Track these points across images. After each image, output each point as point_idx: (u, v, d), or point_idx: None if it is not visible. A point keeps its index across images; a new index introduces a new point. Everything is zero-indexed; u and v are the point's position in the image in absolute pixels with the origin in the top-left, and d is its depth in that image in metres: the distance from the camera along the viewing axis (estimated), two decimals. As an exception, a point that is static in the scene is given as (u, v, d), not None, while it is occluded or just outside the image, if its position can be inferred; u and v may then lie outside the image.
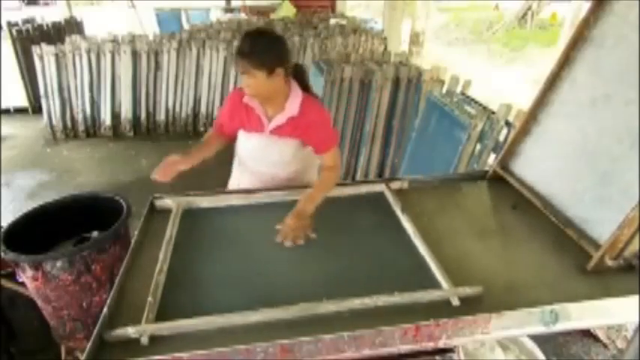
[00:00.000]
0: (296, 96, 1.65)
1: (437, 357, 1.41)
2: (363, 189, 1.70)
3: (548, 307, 1.06)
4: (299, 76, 1.74)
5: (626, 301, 1.11)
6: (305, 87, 1.72)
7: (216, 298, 1.18)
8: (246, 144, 1.76)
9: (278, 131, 1.67)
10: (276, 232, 1.44)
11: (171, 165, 1.57)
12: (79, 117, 5.32)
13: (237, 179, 1.90)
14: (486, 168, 1.85)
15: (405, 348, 1.04)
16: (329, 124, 1.78)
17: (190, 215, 1.57)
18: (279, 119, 1.65)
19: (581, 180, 1.37)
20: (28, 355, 2.02)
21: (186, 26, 8.77)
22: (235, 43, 5.22)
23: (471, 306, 1.10)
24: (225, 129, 1.79)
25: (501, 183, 1.70)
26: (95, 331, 1.01)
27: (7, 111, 6.13)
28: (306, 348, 0.99)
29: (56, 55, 5.05)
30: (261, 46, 1.51)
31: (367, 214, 1.57)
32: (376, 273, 1.26)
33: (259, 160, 1.77)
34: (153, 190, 1.71)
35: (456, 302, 1.11)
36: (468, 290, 1.12)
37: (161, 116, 5.43)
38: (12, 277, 1.81)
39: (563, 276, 1.22)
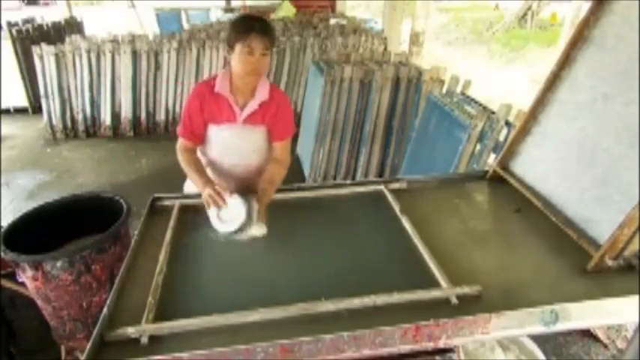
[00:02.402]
0: (265, 81, 1.69)
1: (437, 357, 1.40)
2: (363, 189, 1.70)
3: (548, 307, 1.06)
4: None
5: (626, 301, 1.11)
6: None
7: (215, 298, 1.18)
8: (217, 137, 1.72)
9: (251, 119, 1.68)
10: (271, 232, 1.44)
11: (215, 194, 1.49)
12: (79, 117, 5.32)
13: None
14: (486, 168, 1.85)
15: (405, 348, 1.04)
16: (291, 112, 1.81)
17: (190, 215, 1.57)
18: (252, 105, 1.66)
19: (581, 180, 1.37)
20: (28, 355, 2.02)
21: (186, 26, 8.78)
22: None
23: (470, 306, 1.10)
24: (197, 128, 1.70)
25: (501, 183, 1.70)
26: (95, 331, 1.01)
27: (7, 111, 6.14)
28: (306, 348, 0.99)
29: (56, 55, 5.05)
30: (269, 25, 1.58)
31: (367, 214, 1.57)
32: (375, 273, 1.26)
33: (232, 152, 1.74)
34: (153, 190, 1.71)
35: (454, 301, 1.11)
36: (466, 289, 1.13)
37: (161, 116, 5.43)
38: (12, 277, 1.81)
39: (563, 276, 1.22)
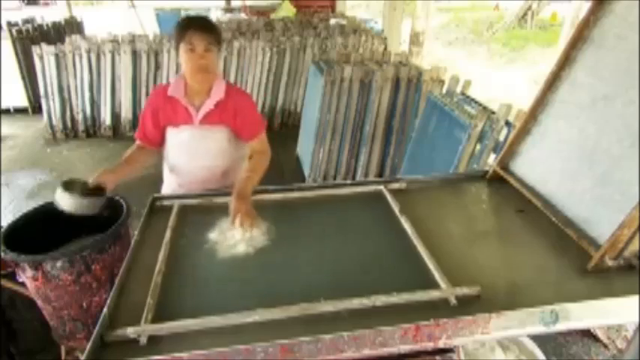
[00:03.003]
0: (220, 80, 1.68)
1: (437, 357, 1.40)
2: (363, 189, 1.70)
3: (548, 307, 1.06)
4: None
5: (626, 301, 1.11)
6: None
7: (215, 299, 1.18)
8: (177, 139, 1.73)
9: (208, 119, 1.68)
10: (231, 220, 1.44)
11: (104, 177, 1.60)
12: (79, 117, 5.32)
13: (171, 186, 1.87)
14: (486, 168, 1.85)
15: (405, 348, 1.04)
16: (255, 107, 1.79)
17: (190, 215, 1.57)
18: (208, 105, 1.66)
19: (581, 180, 1.37)
20: (28, 355, 2.02)
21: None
22: (236, 44, 5.23)
23: (470, 306, 1.10)
24: (149, 133, 1.73)
25: (501, 183, 1.70)
26: (95, 332, 1.01)
27: (7, 111, 6.14)
28: (306, 348, 0.99)
29: (56, 55, 5.05)
30: (210, 22, 1.59)
31: (366, 214, 1.57)
32: (375, 273, 1.26)
33: (194, 154, 1.74)
34: (153, 190, 1.72)
35: (453, 302, 1.11)
36: (465, 290, 1.12)
37: (161, 116, 5.42)
38: (12, 277, 1.81)
39: (563, 276, 1.22)
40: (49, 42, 5.34)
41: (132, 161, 1.73)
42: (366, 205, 1.62)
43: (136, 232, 1.44)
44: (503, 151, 1.73)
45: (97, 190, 1.59)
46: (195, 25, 1.54)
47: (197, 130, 1.69)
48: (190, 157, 1.75)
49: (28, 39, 6.12)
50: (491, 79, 8.37)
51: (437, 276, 1.19)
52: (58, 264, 1.66)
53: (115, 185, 1.61)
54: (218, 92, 1.66)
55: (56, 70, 5.11)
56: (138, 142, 1.77)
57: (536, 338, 1.89)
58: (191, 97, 1.68)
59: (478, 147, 2.57)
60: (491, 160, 2.34)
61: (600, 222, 1.27)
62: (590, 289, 1.15)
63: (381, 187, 1.68)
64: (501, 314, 1.04)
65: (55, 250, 1.69)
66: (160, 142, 1.78)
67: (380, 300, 1.10)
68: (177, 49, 1.60)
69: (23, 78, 6.07)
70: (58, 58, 5.08)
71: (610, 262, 1.19)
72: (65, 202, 1.52)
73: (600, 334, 2.31)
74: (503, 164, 1.72)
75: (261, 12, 9.34)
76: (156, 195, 1.67)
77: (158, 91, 1.71)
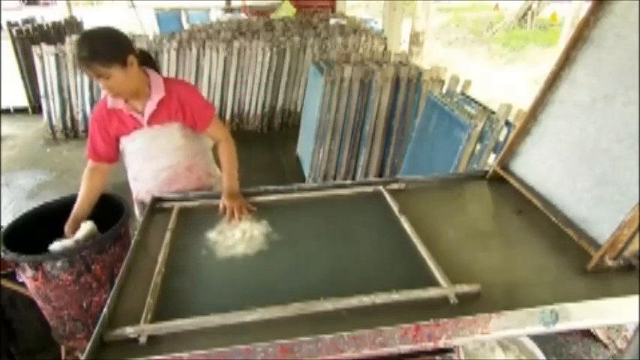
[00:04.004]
0: (157, 78, 1.65)
1: (437, 357, 1.41)
2: (363, 189, 1.70)
3: (548, 307, 1.06)
4: (149, 62, 1.72)
5: (626, 301, 1.11)
6: (157, 71, 1.71)
7: (214, 298, 1.18)
8: (131, 147, 1.72)
9: (155, 119, 1.66)
10: (223, 217, 1.49)
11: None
12: (79, 117, 5.32)
13: (140, 195, 1.87)
14: (486, 168, 1.85)
15: (405, 348, 1.04)
16: (199, 95, 1.76)
17: (190, 216, 1.57)
18: (151, 106, 1.63)
19: (581, 180, 1.37)
20: (28, 355, 2.02)
21: (186, 26, 8.77)
22: (236, 44, 5.23)
23: (470, 305, 1.10)
24: (101, 150, 1.70)
25: (501, 183, 1.70)
26: (95, 331, 1.01)
27: (7, 111, 6.14)
28: (306, 348, 0.99)
29: (56, 55, 5.05)
30: (100, 43, 1.45)
31: (366, 214, 1.57)
32: (374, 273, 1.26)
33: (153, 156, 1.73)
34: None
35: (453, 300, 1.11)
36: (465, 288, 1.13)
37: (161, 116, 5.42)
38: (12, 277, 1.81)
39: (563, 276, 1.22)
40: (49, 42, 5.33)
41: (90, 194, 1.71)
42: (366, 205, 1.62)
43: (136, 233, 1.44)
44: (503, 151, 1.73)
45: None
46: (80, 58, 1.44)
47: (148, 132, 1.67)
48: (149, 161, 1.74)
49: (28, 39, 6.12)
50: (491, 79, 8.37)
51: (437, 274, 1.19)
52: (58, 264, 1.66)
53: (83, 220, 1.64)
54: (157, 91, 1.63)
55: (56, 70, 5.10)
56: (90, 163, 1.73)
57: (536, 338, 1.89)
58: (132, 104, 1.65)
59: (478, 147, 2.57)
60: (491, 160, 2.34)
61: (600, 222, 1.27)
62: (590, 289, 1.15)
63: (381, 187, 1.68)
64: (501, 314, 1.04)
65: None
66: (114, 156, 1.75)
67: (380, 298, 1.10)
68: None
69: (23, 78, 6.07)
70: (58, 58, 5.08)
71: (610, 262, 1.19)
72: (65, 244, 1.57)
73: (600, 334, 2.31)
74: (503, 164, 1.72)
75: (261, 12, 9.33)
76: (156, 195, 1.67)
77: (99, 107, 1.67)
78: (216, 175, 1.90)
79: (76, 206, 1.66)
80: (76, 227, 1.56)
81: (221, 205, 1.52)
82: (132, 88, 1.56)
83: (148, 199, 1.69)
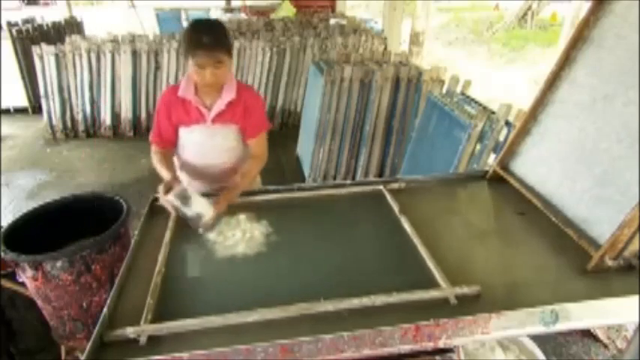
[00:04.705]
0: (232, 80, 1.68)
1: (437, 357, 1.40)
2: (363, 189, 1.70)
3: (548, 307, 1.06)
4: None
5: (626, 301, 1.11)
6: None
7: (215, 299, 1.18)
8: (189, 138, 1.74)
9: (220, 119, 1.69)
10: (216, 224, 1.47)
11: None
12: (79, 117, 5.32)
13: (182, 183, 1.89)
14: (486, 168, 1.85)
15: (405, 348, 1.04)
16: (263, 108, 1.81)
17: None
18: (220, 105, 1.67)
19: (581, 180, 1.37)
20: (28, 355, 2.02)
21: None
22: (236, 44, 5.23)
23: (470, 306, 1.10)
24: (165, 133, 1.73)
25: (501, 183, 1.70)
26: (95, 332, 1.01)
27: (7, 111, 6.14)
28: (306, 348, 0.99)
29: (56, 55, 5.05)
30: (222, 32, 1.54)
31: (366, 214, 1.57)
32: (375, 273, 1.26)
33: (206, 152, 1.76)
34: (153, 190, 1.71)
35: (453, 301, 1.11)
36: (465, 289, 1.12)
37: (161, 116, 5.42)
38: (12, 277, 1.81)
39: (563, 276, 1.22)
40: (49, 42, 5.33)
41: (167, 161, 1.72)
42: (366, 205, 1.62)
43: (136, 233, 1.44)
44: (503, 151, 1.73)
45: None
46: (204, 46, 1.48)
47: (208, 129, 1.71)
48: (201, 155, 1.77)
49: (28, 39, 6.12)
50: (491, 79, 8.37)
51: (437, 276, 1.19)
52: (58, 264, 1.66)
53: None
54: (229, 92, 1.66)
55: (56, 70, 5.10)
56: (154, 147, 1.74)
57: (536, 338, 1.89)
58: (202, 97, 1.68)
59: (478, 147, 2.57)
60: (491, 160, 2.34)
61: (600, 222, 1.27)
62: (590, 289, 1.15)
63: (381, 187, 1.68)
64: (501, 314, 1.04)
65: (55, 250, 1.69)
66: (175, 141, 1.78)
67: (380, 299, 1.10)
68: (185, 56, 1.57)
69: (23, 78, 6.06)
70: (58, 58, 5.08)
71: (610, 262, 1.19)
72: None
73: (600, 334, 2.31)
74: (503, 164, 1.72)
75: (261, 12, 9.33)
76: (156, 195, 1.66)
77: (170, 91, 1.71)
78: (255, 181, 1.93)
79: (164, 173, 1.62)
80: (169, 189, 1.49)
81: (219, 212, 1.50)
82: (226, 80, 1.63)
83: (188, 190, 1.71)
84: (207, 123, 1.69)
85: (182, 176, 1.85)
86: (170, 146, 1.78)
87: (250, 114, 1.72)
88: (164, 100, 1.71)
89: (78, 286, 1.73)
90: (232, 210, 1.56)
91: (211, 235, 1.44)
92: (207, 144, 1.74)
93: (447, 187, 1.74)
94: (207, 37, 1.49)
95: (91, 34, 6.07)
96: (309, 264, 1.32)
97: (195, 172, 1.82)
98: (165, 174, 1.61)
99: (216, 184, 1.81)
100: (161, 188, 1.47)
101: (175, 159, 1.86)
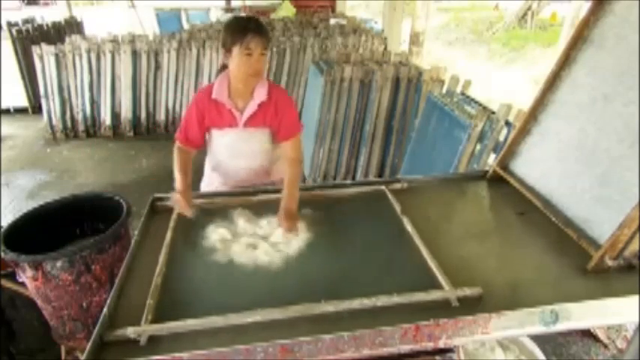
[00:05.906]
0: (263, 81, 1.68)
1: (437, 357, 1.40)
2: (363, 189, 1.70)
3: (548, 307, 1.06)
4: None
5: (626, 301, 1.11)
6: None
7: (215, 299, 1.18)
8: (222, 141, 1.75)
9: (252, 121, 1.69)
10: (275, 230, 1.45)
11: (184, 202, 1.52)
12: (79, 117, 5.32)
13: (213, 184, 1.88)
14: (486, 168, 1.85)
15: (405, 348, 1.04)
16: (295, 109, 1.79)
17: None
18: (251, 107, 1.67)
19: (581, 180, 1.37)
20: (28, 355, 2.02)
21: (186, 26, 8.76)
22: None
23: (470, 306, 1.10)
24: (193, 135, 1.71)
25: (501, 183, 1.70)
26: (95, 332, 1.01)
27: (7, 111, 6.13)
28: (306, 348, 0.99)
29: (56, 55, 5.05)
30: (263, 24, 1.58)
31: (367, 214, 1.57)
32: (376, 274, 1.26)
33: (237, 155, 1.77)
34: (153, 190, 1.71)
35: (455, 303, 1.11)
36: (467, 291, 1.12)
37: (161, 116, 5.43)
38: (12, 277, 1.81)
39: (564, 276, 1.22)
40: (49, 42, 5.33)
41: (187, 165, 1.69)
42: (367, 206, 1.62)
43: (136, 233, 1.44)
44: (503, 151, 1.73)
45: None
46: (253, 29, 1.52)
47: (241, 132, 1.71)
48: (233, 157, 1.77)
49: (28, 39, 6.12)
50: (491, 79, 8.37)
51: (439, 277, 1.19)
52: (58, 264, 1.66)
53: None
54: (261, 93, 1.66)
55: (56, 70, 5.10)
56: (178, 144, 1.73)
57: (536, 338, 1.89)
58: (234, 100, 1.68)
59: (478, 147, 2.57)
60: (491, 160, 2.34)
61: (600, 222, 1.27)
62: (590, 289, 1.15)
63: (383, 187, 1.68)
64: (501, 314, 1.04)
65: (55, 250, 1.69)
66: (201, 143, 1.77)
67: (381, 300, 1.10)
68: (228, 49, 1.56)
69: (23, 78, 6.06)
70: (58, 58, 5.08)
71: (610, 262, 1.19)
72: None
73: (600, 334, 2.31)
74: (503, 164, 1.72)
75: (261, 12, 9.32)
76: (156, 195, 1.66)
77: (204, 92, 1.70)
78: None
79: (181, 180, 1.61)
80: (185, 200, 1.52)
81: (281, 224, 1.47)
82: (263, 75, 1.65)
83: (220, 189, 1.79)
84: (239, 127, 1.70)
85: (214, 176, 1.87)
86: (194, 148, 1.76)
87: (282, 115, 1.70)
88: (197, 101, 1.70)
89: (78, 286, 1.73)
90: (232, 210, 1.56)
91: (212, 236, 1.44)
92: (240, 147, 1.75)
93: (448, 188, 1.74)
94: (254, 24, 1.54)
95: (91, 34, 6.06)
96: (310, 264, 1.32)
97: (228, 174, 1.83)
98: (179, 181, 1.60)
99: (248, 183, 1.82)
100: (177, 199, 1.50)
101: (207, 160, 1.87)
